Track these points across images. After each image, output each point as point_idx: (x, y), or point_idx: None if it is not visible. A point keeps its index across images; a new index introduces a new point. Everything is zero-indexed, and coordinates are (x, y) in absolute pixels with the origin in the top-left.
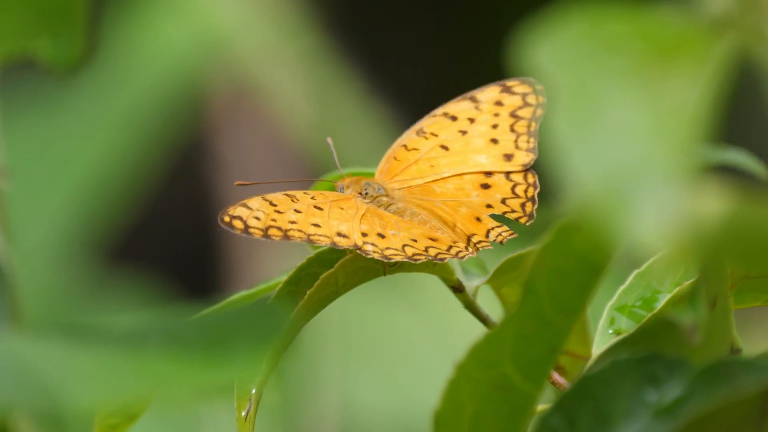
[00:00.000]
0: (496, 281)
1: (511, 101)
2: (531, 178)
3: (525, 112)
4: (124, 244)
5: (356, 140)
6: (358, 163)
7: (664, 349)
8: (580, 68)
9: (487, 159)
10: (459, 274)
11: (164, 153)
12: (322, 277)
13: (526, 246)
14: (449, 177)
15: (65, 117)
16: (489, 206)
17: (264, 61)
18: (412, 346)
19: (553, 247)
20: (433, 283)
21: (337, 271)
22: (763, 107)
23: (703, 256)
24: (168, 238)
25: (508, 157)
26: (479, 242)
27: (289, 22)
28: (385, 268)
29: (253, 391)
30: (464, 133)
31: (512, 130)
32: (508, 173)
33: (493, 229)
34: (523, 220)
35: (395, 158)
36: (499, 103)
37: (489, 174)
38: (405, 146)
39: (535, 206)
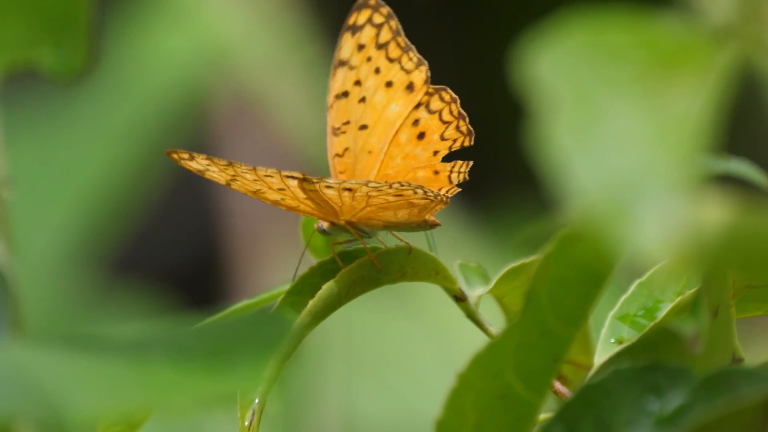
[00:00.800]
0: (498, 290)
1: (367, 35)
2: (446, 95)
3: (385, 35)
4: (126, 254)
5: None
6: None
7: (666, 359)
8: (582, 78)
9: (397, 105)
10: (461, 283)
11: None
12: (324, 286)
13: (529, 255)
14: (389, 149)
15: (68, 127)
16: (436, 152)
17: (266, 71)
18: (414, 356)
19: (556, 257)
20: (434, 292)
21: (339, 280)
22: (764, 117)
23: (705, 265)
24: (170, 248)
25: (410, 87)
26: (447, 191)
27: (292, 32)
28: (379, 272)
29: (257, 400)
30: (363, 100)
31: (390, 60)
32: (427, 105)
33: (452, 173)
34: (467, 142)
35: (341, 172)
36: (360, 47)
37: (416, 122)
38: (338, 155)
39: (467, 118)
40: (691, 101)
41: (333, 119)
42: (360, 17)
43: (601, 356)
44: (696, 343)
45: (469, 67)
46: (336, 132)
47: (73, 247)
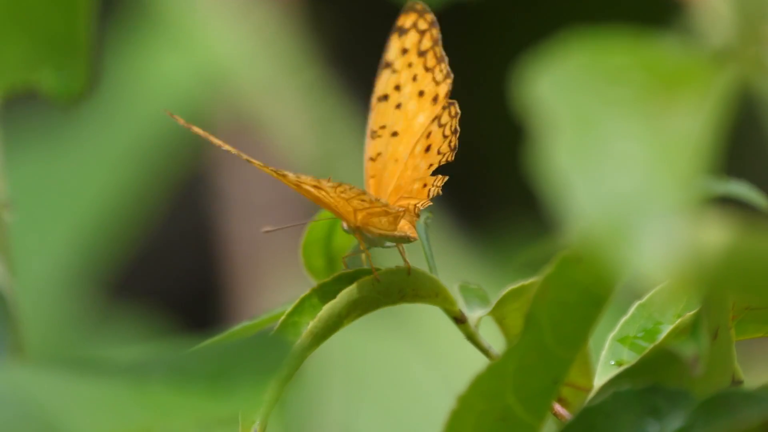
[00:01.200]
0: (498, 312)
1: (411, 40)
2: (453, 110)
3: (426, 43)
4: (126, 277)
5: (358, 174)
6: None
7: (666, 381)
8: (582, 99)
9: (423, 116)
10: (461, 305)
11: (166, 186)
12: (324, 308)
13: (529, 277)
14: (408, 159)
15: (68, 149)
16: (430, 165)
17: (266, 94)
18: (414, 378)
19: (555, 279)
20: (434, 314)
21: (339, 302)
22: (764, 139)
23: (704, 287)
24: (170, 271)
25: (435, 99)
26: (416, 204)
27: (291, 55)
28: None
29: (257, 422)
30: (399, 106)
31: (426, 69)
32: (439, 118)
33: (431, 188)
34: (450, 158)
35: (372, 177)
36: (404, 51)
37: (429, 135)
38: (371, 158)
39: (458, 134)
40: (690, 123)
41: (372, 122)
42: (407, 20)
43: (600, 378)
44: (696, 365)
45: (467, 88)
46: (373, 135)
47: (74, 269)
